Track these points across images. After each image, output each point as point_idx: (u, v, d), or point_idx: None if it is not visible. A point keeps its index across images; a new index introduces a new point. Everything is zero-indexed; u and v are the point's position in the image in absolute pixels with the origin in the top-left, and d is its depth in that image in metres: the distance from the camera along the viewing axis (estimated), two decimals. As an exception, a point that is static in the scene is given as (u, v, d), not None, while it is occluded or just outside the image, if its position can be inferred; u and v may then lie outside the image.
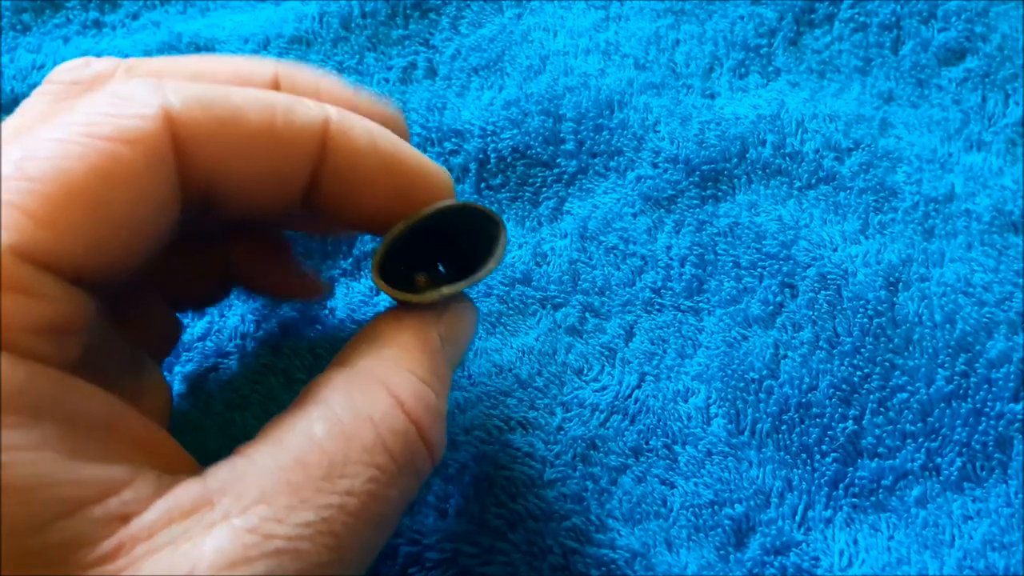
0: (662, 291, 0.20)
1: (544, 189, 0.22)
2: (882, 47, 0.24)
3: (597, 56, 0.24)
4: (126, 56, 0.24)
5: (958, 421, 0.18)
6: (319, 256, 0.21)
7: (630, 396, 0.19)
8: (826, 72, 0.24)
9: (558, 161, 0.22)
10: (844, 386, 0.19)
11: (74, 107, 0.11)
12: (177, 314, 0.17)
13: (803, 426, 0.18)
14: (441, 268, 0.15)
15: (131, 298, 0.15)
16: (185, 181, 0.12)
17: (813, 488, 0.18)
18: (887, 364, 0.19)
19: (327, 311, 0.20)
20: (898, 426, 0.18)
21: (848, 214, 0.21)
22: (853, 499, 0.17)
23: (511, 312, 0.20)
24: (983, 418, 0.18)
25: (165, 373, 0.18)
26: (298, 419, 0.11)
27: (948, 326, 0.19)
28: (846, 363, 0.19)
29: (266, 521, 0.10)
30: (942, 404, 0.18)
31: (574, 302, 0.20)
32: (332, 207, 0.13)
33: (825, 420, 0.18)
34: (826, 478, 0.18)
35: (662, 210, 0.21)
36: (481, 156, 0.22)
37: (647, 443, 0.18)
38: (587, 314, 0.20)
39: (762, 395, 0.18)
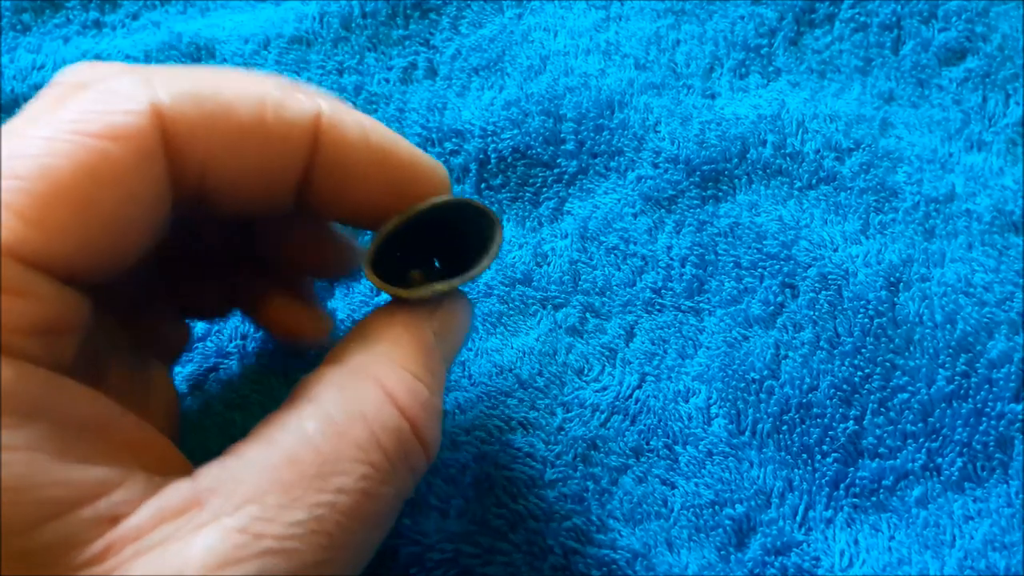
0: (663, 291, 0.20)
1: (545, 189, 0.22)
2: (883, 47, 0.24)
3: (598, 56, 0.24)
4: (126, 56, 0.24)
5: (959, 421, 0.18)
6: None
7: (631, 396, 0.19)
8: (827, 72, 0.24)
9: (559, 161, 0.22)
10: (845, 386, 0.19)
11: (63, 104, 0.11)
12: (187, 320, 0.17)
13: (804, 426, 0.18)
14: (437, 264, 0.15)
15: (140, 303, 0.15)
16: (176, 177, 0.12)
17: (814, 488, 0.18)
18: (888, 364, 0.19)
19: (328, 311, 0.20)
20: (899, 426, 0.18)
21: (849, 214, 0.21)
22: (854, 499, 0.17)
23: (512, 312, 0.20)
24: (984, 418, 0.18)
25: (165, 373, 0.18)
26: (290, 417, 0.11)
27: (949, 326, 0.19)
28: (847, 363, 0.19)
29: (257, 520, 0.10)
30: (943, 404, 0.18)
31: (575, 302, 0.20)
32: (326, 202, 0.13)
33: (826, 420, 0.18)
34: (827, 478, 0.18)
35: (663, 210, 0.21)
36: (482, 156, 0.22)
37: (648, 443, 0.18)
38: (588, 314, 0.20)
39: (763, 395, 0.18)
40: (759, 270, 0.20)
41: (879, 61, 0.24)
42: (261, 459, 0.11)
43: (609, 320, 0.20)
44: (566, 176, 0.22)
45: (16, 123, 0.12)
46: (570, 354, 0.19)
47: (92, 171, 0.10)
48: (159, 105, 0.11)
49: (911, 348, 0.19)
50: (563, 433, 0.18)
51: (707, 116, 0.23)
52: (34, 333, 0.10)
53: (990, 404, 0.18)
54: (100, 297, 0.14)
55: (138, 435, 0.11)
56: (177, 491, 0.10)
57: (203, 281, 0.16)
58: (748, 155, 0.22)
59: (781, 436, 0.18)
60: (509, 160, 0.22)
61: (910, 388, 0.18)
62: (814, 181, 0.22)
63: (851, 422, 0.18)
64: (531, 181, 0.22)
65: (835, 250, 0.20)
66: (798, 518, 0.17)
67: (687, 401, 0.19)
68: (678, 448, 0.18)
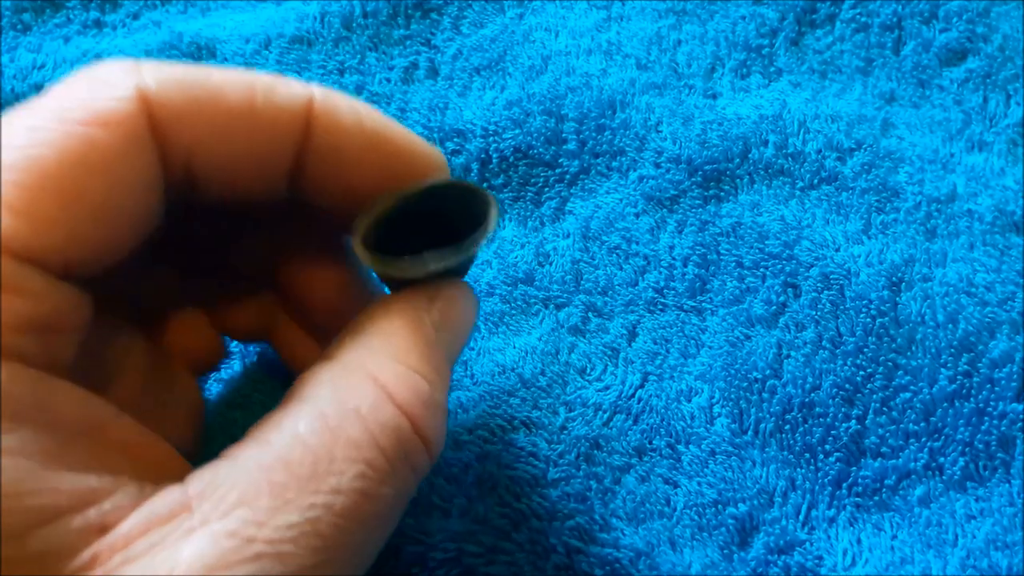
0: (665, 291, 0.20)
1: (546, 189, 0.22)
2: (884, 47, 0.24)
3: (599, 56, 0.24)
4: (127, 56, 0.24)
5: (961, 421, 0.18)
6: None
7: (633, 396, 0.19)
8: (828, 72, 0.24)
9: (560, 161, 0.22)
10: (847, 386, 0.19)
11: (48, 94, 0.11)
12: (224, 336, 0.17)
13: (806, 426, 0.18)
14: None
15: (162, 312, 0.15)
16: (165, 162, 0.11)
17: (816, 487, 0.18)
18: (890, 364, 0.19)
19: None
20: (901, 426, 0.18)
21: (850, 214, 0.21)
22: (856, 498, 0.17)
23: (514, 312, 0.20)
24: (986, 418, 0.18)
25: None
26: (283, 418, 0.11)
27: (951, 326, 0.19)
28: (849, 363, 0.19)
29: (246, 524, 0.10)
30: (945, 404, 0.18)
31: (577, 302, 0.20)
32: (321, 188, 0.13)
33: (828, 420, 0.18)
34: (829, 477, 0.18)
35: (665, 210, 0.21)
36: (483, 156, 0.22)
37: (650, 442, 0.18)
38: (590, 314, 0.20)
39: (765, 395, 0.18)
40: (761, 270, 0.20)
41: (880, 61, 0.24)
42: (253, 461, 0.10)
43: (611, 320, 0.20)
44: (568, 176, 0.22)
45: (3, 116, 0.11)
46: (572, 353, 0.19)
47: (79, 159, 0.10)
48: (146, 91, 0.11)
49: (913, 348, 0.19)
50: (566, 432, 0.18)
51: (709, 116, 0.23)
52: (27, 331, 0.10)
53: (992, 404, 0.18)
54: (116, 302, 0.14)
55: (135, 440, 0.11)
56: (167, 497, 0.10)
57: (236, 301, 0.16)
58: (750, 155, 0.22)
59: (784, 435, 0.18)
60: (511, 160, 0.22)
61: (912, 388, 0.18)
62: (816, 181, 0.22)
63: (853, 421, 0.18)
64: (533, 181, 0.22)
65: (837, 250, 0.20)
66: (801, 517, 0.17)
67: (690, 400, 0.19)
68: (681, 447, 0.18)
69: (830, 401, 0.18)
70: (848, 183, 0.22)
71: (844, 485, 0.18)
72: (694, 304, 0.20)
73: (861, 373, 0.19)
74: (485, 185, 0.22)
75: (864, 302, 0.19)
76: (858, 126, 0.23)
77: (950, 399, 0.18)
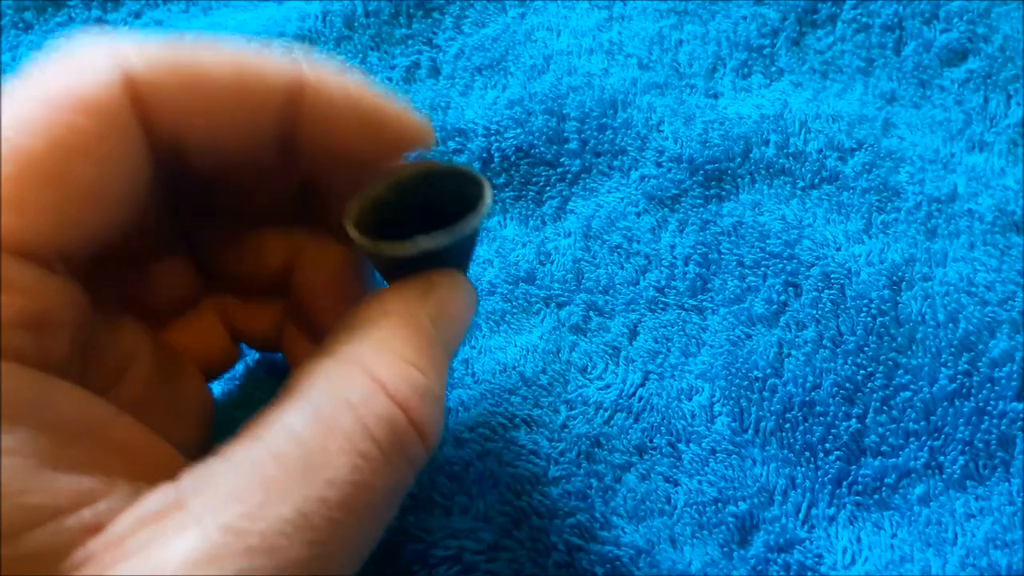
0: (666, 290, 0.20)
1: (548, 188, 0.22)
2: (884, 48, 0.24)
3: (601, 56, 0.24)
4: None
5: (961, 420, 0.18)
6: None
7: (634, 394, 0.19)
8: (829, 72, 0.24)
9: (562, 160, 0.22)
10: (848, 384, 0.19)
11: (30, 77, 0.10)
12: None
13: (807, 424, 0.18)
14: None
15: (185, 315, 0.15)
16: (153, 145, 0.11)
17: (817, 486, 0.18)
18: (890, 363, 0.19)
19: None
20: (901, 424, 0.18)
21: (851, 214, 0.21)
22: (856, 497, 0.17)
23: (515, 310, 0.20)
24: (986, 417, 0.18)
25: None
26: (276, 412, 0.11)
27: (951, 325, 0.19)
28: (849, 362, 0.19)
29: (239, 518, 0.10)
30: (945, 403, 0.18)
31: (578, 300, 0.20)
32: (311, 161, 0.13)
33: (829, 418, 0.18)
34: (829, 476, 0.18)
35: (666, 209, 0.22)
36: (485, 155, 0.22)
37: (651, 441, 0.18)
38: (591, 312, 0.20)
39: (766, 393, 0.19)
40: (762, 269, 0.20)
41: (881, 62, 0.24)
42: (245, 457, 0.10)
43: (612, 318, 0.20)
44: (569, 175, 0.22)
45: None
46: (573, 352, 0.19)
47: (67, 148, 0.10)
48: (130, 72, 0.11)
49: (913, 347, 0.19)
50: (567, 430, 0.18)
51: (710, 116, 0.23)
52: (20, 327, 0.10)
53: (992, 403, 0.18)
54: (125, 302, 0.14)
55: (135, 440, 0.11)
56: (160, 495, 0.10)
57: (251, 308, 0.16)
58: (751, 154, 0.22)
59: (784, 434, 0.18)
60: (512, 159, 0.22)
61: (912, 387, 0.19)
62: (817, 181, 0.22)
63: (854, 420, 0.18)
64: (534, 180, 0.22)
65: (838, 249, 0.20)
66: (801, 515, 0.17)
67: (690, 399, 0.19)
68: (681, 446, 0.18)
69: (830, 400, 0.18)
70: (849, 183, 0.22)
71: (844, 484, 0.18)
72: (695, 303, 0.20)
73: (861, 372, 0.19)
74: (486, 184, 0.22)
75: (865, 301, 0.19)
76: (859, 126, 0.23)
77: (950, 398, 0.18)
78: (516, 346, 0.19)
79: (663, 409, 0.18)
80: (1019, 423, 0.18)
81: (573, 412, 0.18)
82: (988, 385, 0.18)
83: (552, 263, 0.21)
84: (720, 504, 0.17)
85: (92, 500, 0.10)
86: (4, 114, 0.10)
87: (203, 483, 0.10)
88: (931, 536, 0.17)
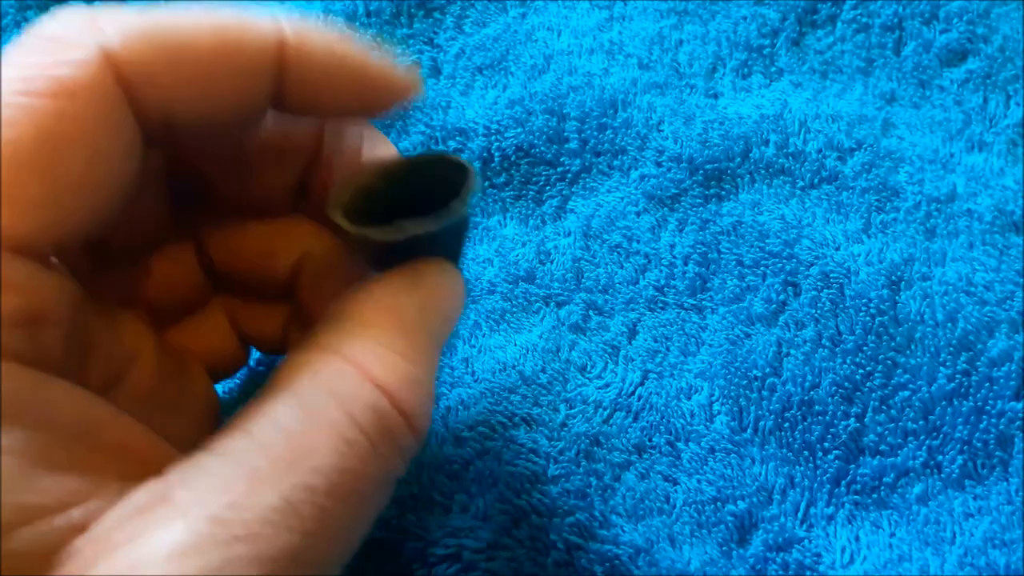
0: (665, 289, 0.20)
1: (548, 188, 0.22)
2: (884, 48, 0.24)
3: (601, 55, 0.24)
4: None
5: (959, 419, 0.18)
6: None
7: (633, 393, 0.19)
8: (829, 72, 0.24)
9: (562, 160, 0.22)
10: (846, 384, 0.19)
11: (7, 62, 0.10)
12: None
13: (805, 423, 0.18)
14: None
15: (194, 315, 0.15)
16: (140, 119, 0.11)
17: (815, 485, 0.18)
18: (889, 362, 0.19)
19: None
20: (900, 424, 0.18)
21: (851, 213, 0.21)
22: (855, 496, 0.18)
23: (515, 309, 0.20)
24: (984, 416, 0.18)
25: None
26: (261, 404, 0.11)
27: (950, 325, 0.19)
28: (848, 361, 0.19)
29: (223, 508, 0.10)
30: (944, 402, 0.18)
31: (578, 300, 0.20)
32: (301, 112, 0.13)
33: (827, 418, 0.18)
34: (828, 475, 0.18)
35: (666, 209, 0.22)
36: (485, 155, 0.22)
37: (650, 440, 0.18)
38: (591, 311, 0.20)
39: (765, 392, 0.19)
40: (761, 268, 0.20)
41: (881, 62, 0.24)
42: (230, 449, 0.10)
43: (612, 317, 0.20)
44: (569, 174, 0.22)
45: None
46: (573, 351, 0.19)
47: (51, 134, 0.10)
48: (110, 49, 0.10)
49: (912, 346, 0.19)
50: (566, 429, 0.18)
51: (710, 115, 0.23)
52: (13, 325, 0.10)
53: (990, 402, 0.18)
54: (128, 300, 0.14)
55: (132, 440, 0.11)
56: (146, 491, 0.10)
57: (260, 311, 0.16)
58: (751, 154, 0.22)
59: (783, 433, 0.18)
60: (513, 158, 0.22)
61: (911, 386, 0.19)
62: (816, 180, 0.22)
63: (852, 419, 0.18)
64: (534, 179, 0.22)
65: (837, 249, 0.20)
66: (799, 515, 0.17)
67: (689, 398, 0.19)
68: (680, 445, 0.18)
69: (829, 399, 0.18)
70: (848, 182, 0.22)
71: (843, 483, 0.18)
72: (694, 302, 0.20)
73: (860, 371, 0.19)
74: (487, 184, 0.22)
75: (864, 301, 0.20)
76: (858, 126, 0.23)
77: (949, 398, 0.18)
78: (516, 345, 0.20)
79: (662, 408, 0.18)
80: (1017, 423, 0.18)
81: (572, 411, 0.18)
82: (987, 385, 0.18)
83: (552, 262, 0.21)
84: (719, 503, 0.17)
85: (83, 499, 0.10)
86: None
87: (188, 476, 0.10)
88: (929, 535, 0.17)
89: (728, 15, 0.25)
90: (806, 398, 0.18)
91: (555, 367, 0.19)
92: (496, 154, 0.22)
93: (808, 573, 0.16)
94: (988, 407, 0.18)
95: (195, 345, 0.15)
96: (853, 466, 0.18)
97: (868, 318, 0.19)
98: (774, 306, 0.20)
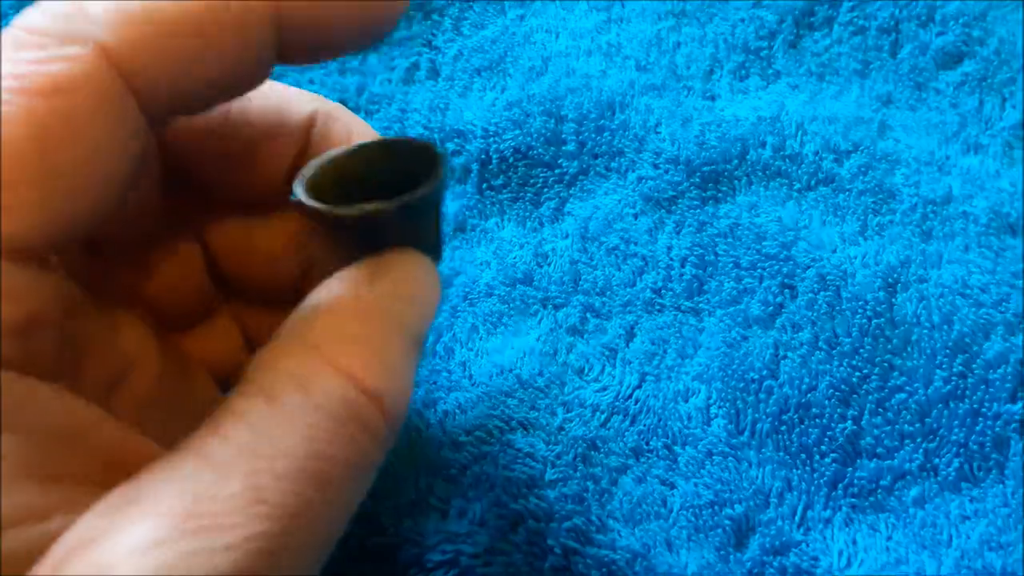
0: (663, 291, 0.20)
1: (545, 190, 0.22)
2: (881, 50, 0.24)
3: (599, 58, 0.24)
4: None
5: (956, 422, 0.18)
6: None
7: (631, 396, 0.19)
8: (825, 75, 0.24)
9: (560, 162, 0.22)
10: (843, 386, 0.19)
11: None
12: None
13: (802, 426, 0.18)
14: None
15: (202, 321, 0.15)
16: (143, 100, 0.11)
17: (812, 488, 0.18)
18: (886, 365, 0.19)
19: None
20: (896, 426, 0.18)
21: (847, 216, 0.21)
22: (852, 499, 0.18)
23: (512, 312, 0.20)
24: (981, 419, 0.18)
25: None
26: (228, 401, 0.11)
27: (946, 327, 0.19)
28: (845, 364, 0.19)
29: (188, 502, 0.09)
30: (940, 405, 0.18)
31: (575, 302, 0.20)
32: (306, 54, 0.12)
33: (824, 420, 0.18)
34: (825, 478, 0.18)
35: (663, 211, 0.22)
36: (483, 157, 0.22)
37: (647, 443, 0.18)
38: (588, 314, 0.20)
39: (762, 395, 0.19)
40: (758, 271, 0.20)
41: (877, 64, 0.24)
42: (196, 446, 0.10)
43: (609, 320, 0.20)
44: (567, 177, 0.22)
45: None
46: (570, 354, 0.19)
47: (47, 135, 0.09)
48: (102, 37, 0.10)
49: (908, 349, 0.19)
50: (563, 433, 0.18)
51: (707, 118, 0.23)
52: (7, 334, 0.10)
53: (987, 405, 0.18)
54: (130, 305, 0.14)
55: (120, 445, 0.11)
56: (117, 492, 0.10)
57: (267, 319, 0.16)
58: (748, 156, 0.22)
59: (780, 436, 0.18)
60: (510, 160, 0.22)
61: (908, 388, 0.19)
62: (813, 183, 0.22)
63: (849, 422, 0.18)
64: (532, 181, 0.22)
65: (833, 251, 0.20)
66: (797, 518, 0.17)
67: (687, 401, 0.19)
68: (677, 448, 0.18)
69: (826, 402, 0.18)
70: (845, 185, 0.22)
71: (840, 486, 0.18)
72: (691, 305, 0.20)
73: (857, 374, 0.19)
74: (484, 186, 0.22)
75: (860, 303, 0.20)
76: (855, 128, 0.23)
77: (945, 400, 0.18)
78: (513, 348, 0.19)
79: (659, 411, 0.18)
80: (1013, 425, 0.18)
81: (570, 415, 0.18)
82: (983, 387, 0.18)
83: (549, 265, 0.21)
84: (716, 507, 0.17)
85: (62, 507, 0.10)
86: None
87: (157, 475, 0.10)
88: (926, 538, 0.17)
89: (726, 17, 0.25)
90: (803, 401, 0.19)
91: (552, 370, 0.19)
92: (494, 156, 0.22)
93: (805, 576, 0.16)
94: (984, 409, 0.18)
95: (203, 351, 0.15)
96: (850, 469, 0.18)
97: (864, 320, 0.19)
98: (771, 308, 0.20)
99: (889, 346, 0.19)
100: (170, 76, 0.11)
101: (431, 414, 0.18)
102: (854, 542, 0.17)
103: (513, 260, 0.21)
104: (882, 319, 0.19)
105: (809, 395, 0.19)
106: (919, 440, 0.18)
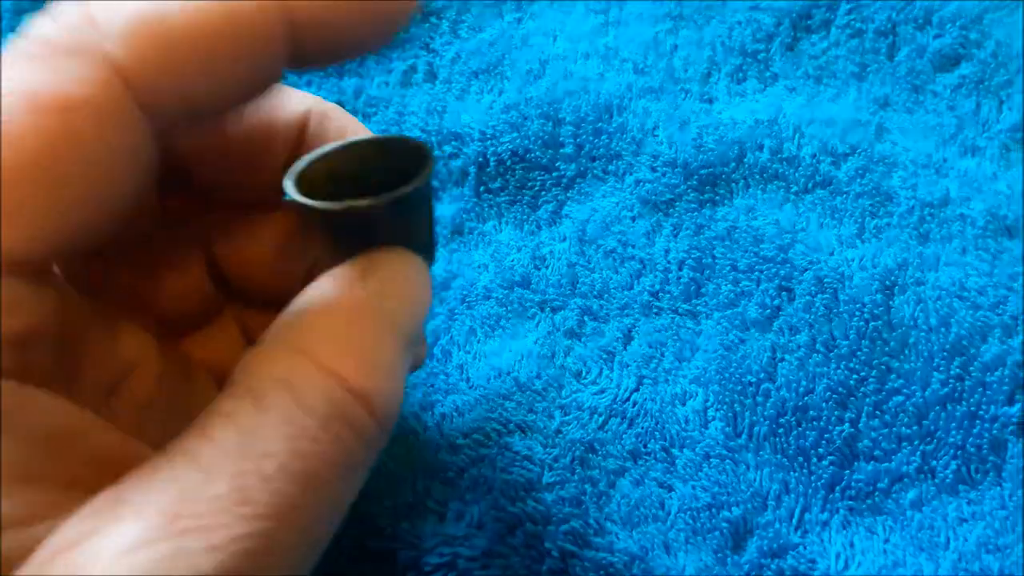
0: (660, 294, 0.20)
1: (543, 192, 0.22)
2: (878, 53, 0.25)
3: (596, 60, 0.24)
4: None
5: (953, 424, 0.18)
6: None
7: (628, 399, 0.19)
8: (823, 77, 0.24)
9: (557, 165, 0.22)
10: (840, 389, 0.19)
11: (6, 71, 0.10)
12: None
13: (800, 429, 0.18)
14: None
15: (202, 326, 0.15)
16: (151, 113, 0.10)
17: (810, 491, 0.18)
18: (883, 367, 0.19)
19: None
20: (894, 429, 0.18)
21: (844, 218, 0.21)
22: (849, 502, 0.18)
23: (510, 315, 0.20)
24: (978, 421, 0.18)
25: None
26: (215, 404, 0.11)
27: (943, 329, 0.19)
28: (842, 366, 0.19)
29: (173, 503, 0.09)
30: (937, 407, 0.18)
31: (573, 305, 0.20)
32: (319, 58, 0.12)
33: (822, 423, 0.18)
34: (823, 481, 0.18)
35: (660, 214, 0.22)
36: (480, 159, 0.22)
37: (645, 446, 0.18)
38: (586, 317, 0.20)
39: (759, 398, 0.19)
40: (756, 273, 0.20)
41: (875, 67, 0.24)
42: (183, 448, 0.10)
43: (607, 323, 0.20)
44: (564, 179, 0.22)
45: None
46: (568, 357, 0.19)
47: (54, 151, 0.09)
48: (111, 51, 0.10)
49: (906, 351, 0.19)
50: (561, 436, 0.18)
51: (705, 120, 0.23)
52: (5, 346, 0.10)
53: (984, 407, 0.18)
54: (131, 309, 0.14)
55: (114, 450, 0.11)
56: (103, 496, 0.10)
57: (269, 320, 0.16)
58: (745, 159, 0.22)
59: (777, 439, 0.18)
60: (508, 163, 0.22)
61: (905, 391, 0.19)
62: (810, 185, 0.22)
63: (847, 425, 0.18)
64: (529, 184, 0.22)
65: (831, 254, 0.21)
66: (794, 521, 0.17)
67: (684, 404, 0.19)
68: (675, 451, 0.18)
69: (823, 404, 0.18)
70: (842, 187, 0.22)
71: (837, 488, 0.18)
72: (689, 308, 0.20)
73: (854, 376, 0.19)
74: (482, 189, 0.22)
75: (857, 306, 0.20)
76: (852, 131, 0.23)
77: (942, 402, 0.18)
78: (511, 351, 0.19)
79: (657, 414, 0.18)
80: (1011, 427, 0.18)
81: (567, 417, 0.18)
82: (980, 389, 0.18)
83: (547, 267, 0.21)
84: (714, 509, 0.17)
85: (51, 512, 0.10)
86: None
87: (143, 477, 0.10)
88: (924, 541, 0.17)
89: (723, 20, 0.25)
90: (800, 403, 0.19)
91: (550, 373, 0.19)
92: (492, 159, 0.22)
93: (803, 579, 0.16)
94: (982, 412, 0.18)
95: (204, 353, 0.15)
96: (847, 471, 0.18)
97: (862, 323, 0.19)
98: (768, 311, 0.20)
99: (886, 349, 0.19)
100: (180, 91, 0.11)
101: (428, 417, 0.18)
102: (851, 544, 0.17)
103: (511, 263, 0.21)
104: (879, 322, 0.19)
105: (806, 398, 0.19)
106: (916, 442, 0.18)
